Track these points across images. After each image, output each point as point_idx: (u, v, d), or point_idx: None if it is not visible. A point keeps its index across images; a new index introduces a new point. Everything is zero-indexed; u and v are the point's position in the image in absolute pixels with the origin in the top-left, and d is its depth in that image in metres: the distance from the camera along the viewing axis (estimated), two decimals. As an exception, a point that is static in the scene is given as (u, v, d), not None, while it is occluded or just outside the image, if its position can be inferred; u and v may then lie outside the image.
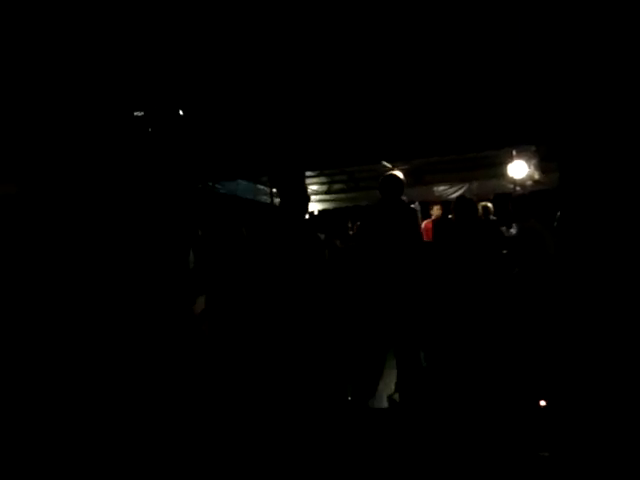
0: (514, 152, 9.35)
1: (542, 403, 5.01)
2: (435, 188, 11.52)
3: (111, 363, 5.46)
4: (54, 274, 6.32)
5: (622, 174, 5.83)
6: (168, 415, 4.85)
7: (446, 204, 9.77)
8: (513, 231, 9.20)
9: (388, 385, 5.58)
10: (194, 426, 4.76)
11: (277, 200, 11.81)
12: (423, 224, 9.97)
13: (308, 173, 11.12)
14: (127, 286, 5.82)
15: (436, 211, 10.63)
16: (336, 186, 12.60)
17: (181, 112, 11.93)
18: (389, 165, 9.80)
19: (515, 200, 7.03)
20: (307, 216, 5.24)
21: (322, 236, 5.84)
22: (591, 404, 4.72)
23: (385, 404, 5.44)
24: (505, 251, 6.73)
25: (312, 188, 12.59)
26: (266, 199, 11.68)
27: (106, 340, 5.69)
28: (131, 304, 5.70)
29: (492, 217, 8.69)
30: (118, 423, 4.74)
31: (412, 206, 6.90)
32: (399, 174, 5.57)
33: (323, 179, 12.35)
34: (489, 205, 8.84)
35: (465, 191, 10.82)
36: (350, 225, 8.35)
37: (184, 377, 5.30)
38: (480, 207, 8.59)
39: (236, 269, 5.60)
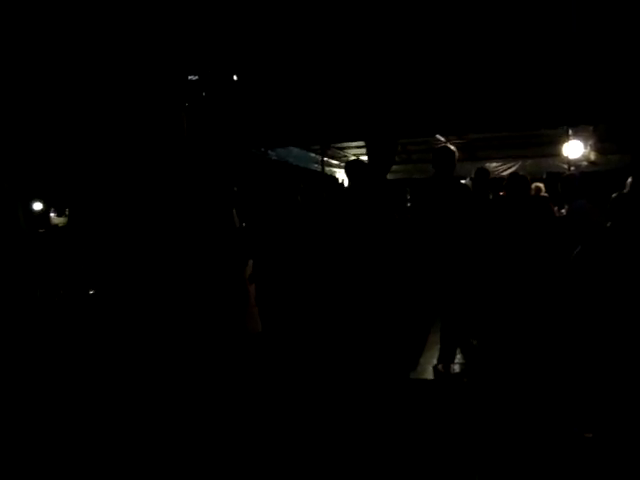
0: (570, 131, 9.18)
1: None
2: (488, 164, 11.41)
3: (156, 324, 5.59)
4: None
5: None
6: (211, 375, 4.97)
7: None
8: (564, 211, 9.10)
9: (429, 359, 5.64)
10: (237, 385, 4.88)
11: (329, 169, 11.93)
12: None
13: (359, 144, 11.14)
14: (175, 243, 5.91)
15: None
16: (389, 158, 12.55)
17: (235, 77, 12.03)
18: (442, 139, 9.76)
19: (564, 180, 6.91)
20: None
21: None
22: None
23: (426, 375, 5.49)
24: (556, 231, 6.64)
25: (364, 158, 12.60)
26: (317, 167, 11.74)
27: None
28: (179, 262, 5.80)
29: (544, 194, 8.60)
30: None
31: (463, 182, 6.88)
32: (452, 147, 5.57)
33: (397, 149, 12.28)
34: (541, 185, 8.74)
35: (518, 168, 10.72)
36: (408, 197, 8.34)
37: (227, 339, 5.39)
38: (533, 186, 8.50)
39: (288, 236, 5.66)
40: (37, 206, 15.57)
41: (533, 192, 8.36)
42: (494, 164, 11.35)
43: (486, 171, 6.97)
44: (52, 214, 15.96)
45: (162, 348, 5.38)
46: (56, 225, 14.32)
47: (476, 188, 6.47)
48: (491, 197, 6.86)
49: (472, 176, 6.87)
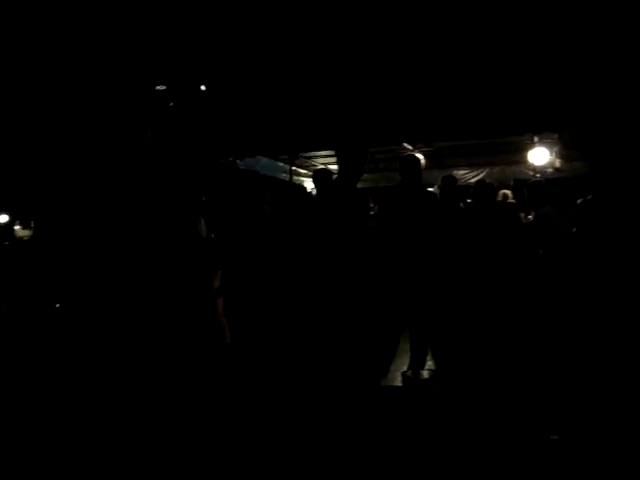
0: (536, 139, 9.29)
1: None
2: (455, 172, 11.48)
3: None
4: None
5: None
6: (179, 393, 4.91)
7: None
8: (531, 217, 9.19)
9: (400, 366, 5.64)
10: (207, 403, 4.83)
11: (297, 178, 11.91)
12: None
13: (327, 153, 11.13)
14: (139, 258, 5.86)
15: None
16: (356, 167, 12.49)
17: (203, 87, 12.00)
18: (410, 147, 9.79)
19: (530, 187, 6.99)
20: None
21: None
22: (605, 389, 4.75)
23: (397, 383, 5.48)
24: (522, 237, 6.70)
25: (332, 167, 12.61)
26: (285, 176, 11.71)
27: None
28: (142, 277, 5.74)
29: (511, 201, 8.68)
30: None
31: (431, 190, 6.90)
32: (419, 155, 5.59)
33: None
34: (508, 192, 8.81)
35: (485, 176, 10.79)
36: (372, 205, 8.37)
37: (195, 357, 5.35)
38: (500, 193, 8.57)
39: (257, 246, 5.62)
40: (2, 218, 15.37)
41: (500, 199, 8.43)
42: (462, 172, 11.41)
43: (453, 178, 6.93)
44: (17, 227, 15.70)
45: (131, 359, 5.31)
46: (21, 238, 14.10)
47: (443, 196, 6.48)
48: (462, 205, 6.89)
49: (439, 184, 6.89)
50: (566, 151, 10.18)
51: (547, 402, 4.73)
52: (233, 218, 6.05)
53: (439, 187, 6.81)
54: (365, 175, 12.24)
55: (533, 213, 7.47)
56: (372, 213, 6.66)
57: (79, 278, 6.30)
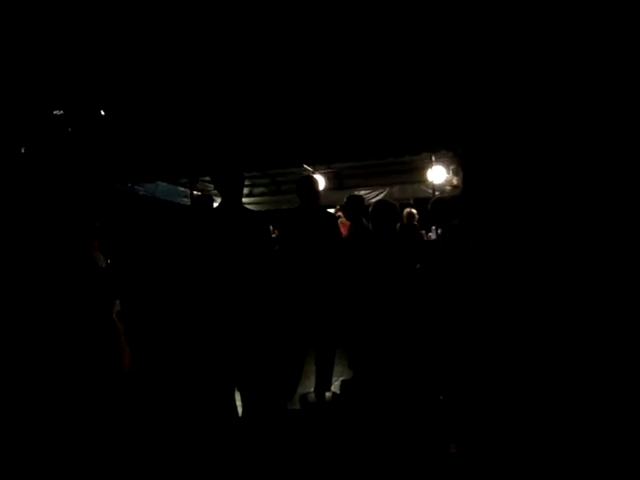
0: (433, 158, 9.43)
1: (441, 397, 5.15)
2: (356, 192, 11.55)
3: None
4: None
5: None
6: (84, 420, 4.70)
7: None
8: (432, 235, 9.29)
9: (307, 388, 5.57)
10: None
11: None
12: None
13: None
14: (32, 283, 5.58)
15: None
16: (258, 189, 12.46)
17: (102, 112, 11.67)
18: (310, 169, 9.77)
19: (435, 203, 7.02)
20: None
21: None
22: (504, 401, 4.83)
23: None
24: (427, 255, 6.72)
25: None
26: (186, 201, 11.48)
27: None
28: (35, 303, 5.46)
29: (415, 223, 8.74)
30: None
31: (331, 210, 6.84)
32: (314, 176, 5.55)
33: (245, 182, 12.15)
34: (414, 211, 8.86)
35: (385, 195, 10.91)
36: (272, 229, 8.30)
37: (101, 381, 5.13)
38: (405, 213, 8.62)
39: (153, 271, 5.47)
40: None
41: (405, 217, 8.50)
42: (363, 192, 11.49)
43: (358, 198, 6.71)
44: None
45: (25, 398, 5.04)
46: None
47: (350, 216, 6.36)
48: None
49: (341, 204, 6.81)
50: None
51: (438, 415, 4.78)
52: (124, 244, 5.91)
53: (342, 207, 6.74)
54: (267, 197, 12.24)
55: (440, 230, 7.50)
56: (274, 236, 6.55)
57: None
